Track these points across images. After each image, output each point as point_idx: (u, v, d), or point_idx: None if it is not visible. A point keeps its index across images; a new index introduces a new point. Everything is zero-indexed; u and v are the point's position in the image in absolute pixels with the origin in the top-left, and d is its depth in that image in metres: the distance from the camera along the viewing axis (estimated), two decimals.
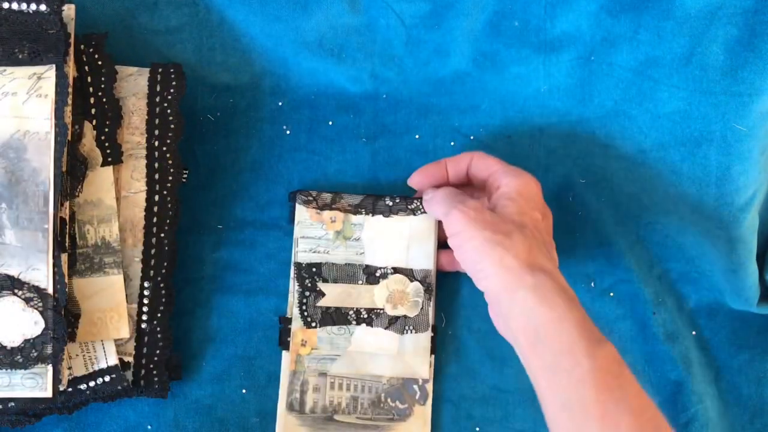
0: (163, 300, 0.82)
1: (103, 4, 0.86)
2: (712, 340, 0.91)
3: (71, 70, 0.79)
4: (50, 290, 0.76)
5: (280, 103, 0.90)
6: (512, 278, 0.72)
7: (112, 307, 0.81)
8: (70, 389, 0.79)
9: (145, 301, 0.82)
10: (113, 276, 0.81)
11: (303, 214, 0.86)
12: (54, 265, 0.76)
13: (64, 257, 0.78)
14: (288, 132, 0.90)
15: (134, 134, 0.83)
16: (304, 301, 0.85)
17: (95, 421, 0.84)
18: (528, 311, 0.71)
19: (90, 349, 0.80)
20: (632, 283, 0.89)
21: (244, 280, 0.87)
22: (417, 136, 0.90)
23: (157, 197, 0.83)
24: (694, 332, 0.91)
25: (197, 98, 0.89)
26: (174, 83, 0.84)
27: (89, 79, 0.81)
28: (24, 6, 0.77)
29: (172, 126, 0.83)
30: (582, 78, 0.88)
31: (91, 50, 0.81)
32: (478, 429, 0.87)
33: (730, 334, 0.91)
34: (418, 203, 0.86)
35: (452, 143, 0.90)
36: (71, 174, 0.79)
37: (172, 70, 0.84)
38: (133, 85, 0.84)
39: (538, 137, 0.90)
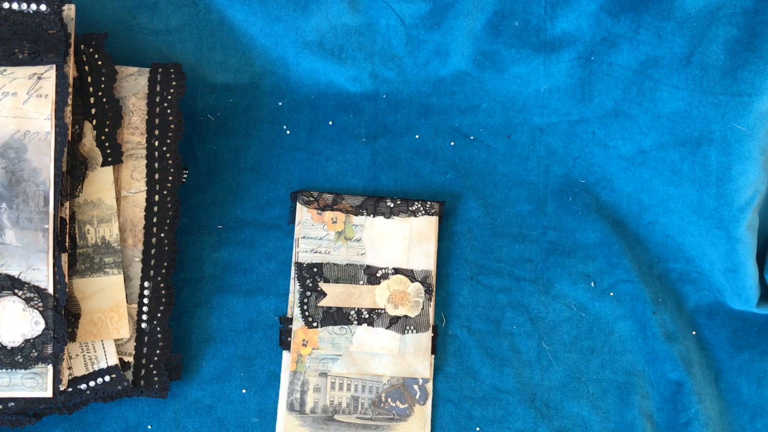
0: (163, 300, 0.82)
1: (103, 4, 0.86)
2: (712, 340, 0.91)
3: (71, 70, 0.79)
4: (50, 290, 0.76)
5: (280, 103, 0.90)
6: None
7: (112, 307, 0.81)
8: (70, 389, 0.79)
9: (145, 301, 0.82)
10: (113, 276, 0.81)
11: (304, 214, 0.86)
12: (54, 265, 0.76)
13: (65, 257, 0.78)
14: (288, 132, 0.90)
15: (134, 134, 0.83)
16: (306, 301, 0.85)
17: (95, 421, 0.84)
18: None
19: (90, 349, 0.80)
20: (632, 283, 0.89)
21: (244, 280, 0.87)
22: (417, 136, 0.90)
23: (157, 197, 0.83)
24: (694, 332, 0.91)
25: (197, 98, 0.89)
26: (174, 83, 0.84)
27: (89, 79, 0.81)
28: (24, 6, 0.77)
29: (172, 126, 0.83)
30: (582, 78, 0.88)
31: (91, 50, 0.81)
32: (478, 429, 0.87)
33: (730, 334, 0.91)
34: (419, 205, 0.86)
35: (452, 143, 0.90)
36: (71, 174, 0.79)
37: (172, 70, 0.84)
38: (133, 85, 0.84)
39: (538, 137, 0.90)
